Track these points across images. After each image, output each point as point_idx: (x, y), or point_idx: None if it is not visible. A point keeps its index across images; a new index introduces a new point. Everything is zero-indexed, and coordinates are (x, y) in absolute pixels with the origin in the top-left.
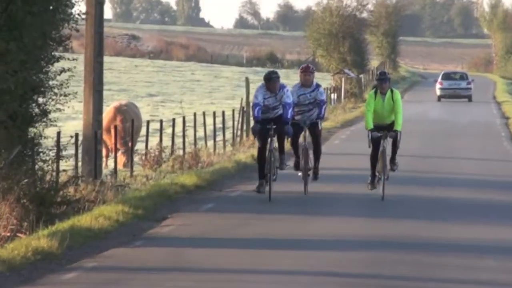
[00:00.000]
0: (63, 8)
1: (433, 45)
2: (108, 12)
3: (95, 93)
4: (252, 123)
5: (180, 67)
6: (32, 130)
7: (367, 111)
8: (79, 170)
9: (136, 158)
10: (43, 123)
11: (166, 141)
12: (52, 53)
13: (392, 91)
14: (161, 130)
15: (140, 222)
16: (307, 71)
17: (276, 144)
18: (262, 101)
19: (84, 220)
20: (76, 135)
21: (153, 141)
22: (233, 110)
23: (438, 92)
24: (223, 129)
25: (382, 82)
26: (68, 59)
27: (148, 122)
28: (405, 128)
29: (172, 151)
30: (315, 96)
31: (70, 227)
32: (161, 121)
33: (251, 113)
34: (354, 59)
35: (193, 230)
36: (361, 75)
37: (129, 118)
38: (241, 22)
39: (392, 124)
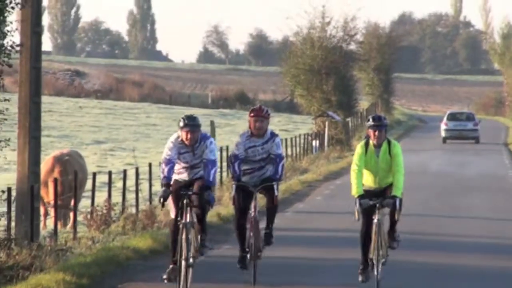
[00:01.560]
0: None
1: (434, 82)
2: (47, 43)
3: (32, 140)
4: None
5: (133, 109)
6: None
7: (356, 171)
8: (12, 231)
9: (80, 217)
10: None
11: (116, 197)
12: None
13: (389, 143)
14: (110, 183)
15: None
16: (258, 115)
17: (195, 219)
18: (175, 157)
19: None
20: (9, 189)
21: (101, 196)
22: None
23: (443, 133)
24: None
25: (377, 130)
26: None
27: (94, 174)
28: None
29: (123, 209)
30: (269, 150)
31: None
32: (110, 173)
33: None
34: (339, 99)
35: None
36: (348, 119)
37: (71, 169)
38: (205, 56)
39: (389, 187)
